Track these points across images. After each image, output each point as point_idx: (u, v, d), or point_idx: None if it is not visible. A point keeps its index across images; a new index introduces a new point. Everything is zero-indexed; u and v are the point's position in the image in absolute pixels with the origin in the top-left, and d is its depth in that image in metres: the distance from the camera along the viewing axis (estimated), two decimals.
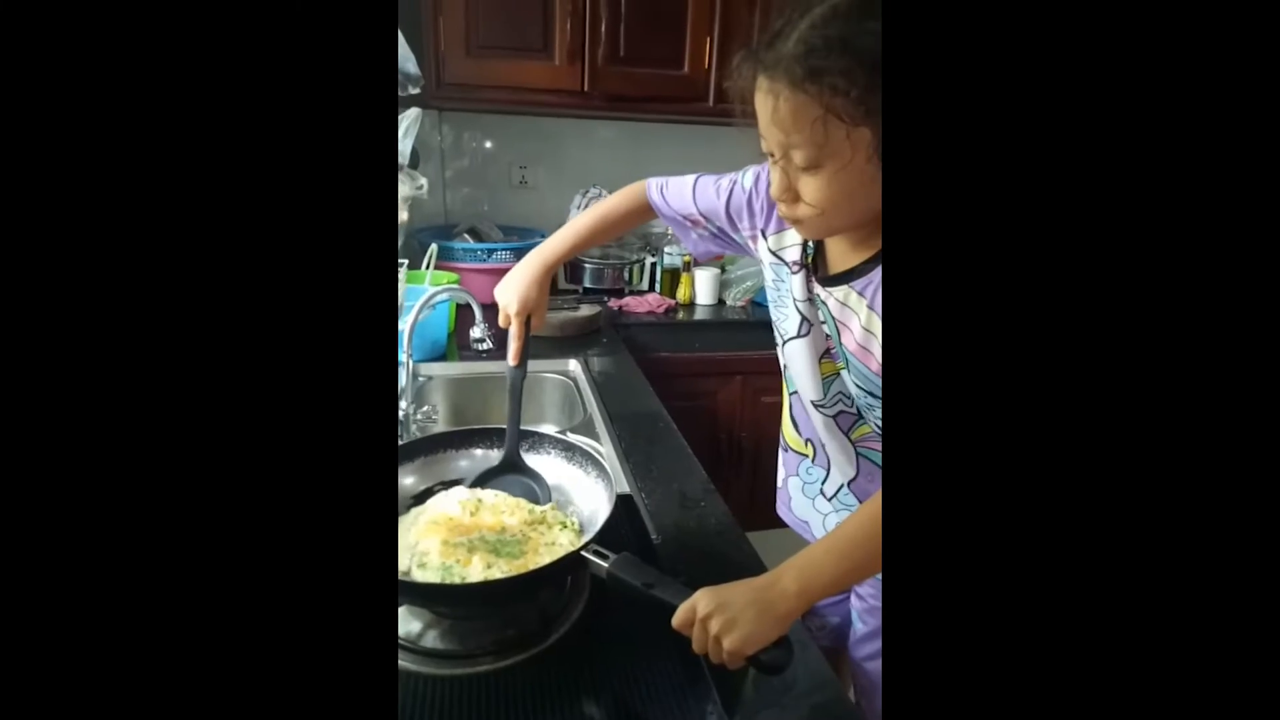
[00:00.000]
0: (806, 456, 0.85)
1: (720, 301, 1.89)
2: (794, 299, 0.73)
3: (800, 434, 0.84)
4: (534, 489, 0.76)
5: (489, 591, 0.63)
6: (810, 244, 0.71)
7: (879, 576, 0.79)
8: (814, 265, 0.71)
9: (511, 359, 0.79)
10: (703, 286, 1.87)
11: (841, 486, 0.82)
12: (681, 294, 1.87)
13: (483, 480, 0.76)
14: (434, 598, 0.64)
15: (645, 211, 0.85)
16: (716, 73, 1.64)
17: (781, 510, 0.93)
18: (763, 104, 0.55)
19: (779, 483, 0.93)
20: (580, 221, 0.86)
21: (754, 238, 0.78)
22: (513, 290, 0.80)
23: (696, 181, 0.81)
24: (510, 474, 0.77)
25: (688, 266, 1.87)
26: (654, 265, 1.91)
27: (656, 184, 0.84)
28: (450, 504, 0.71)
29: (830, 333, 0.71)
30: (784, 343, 0.78)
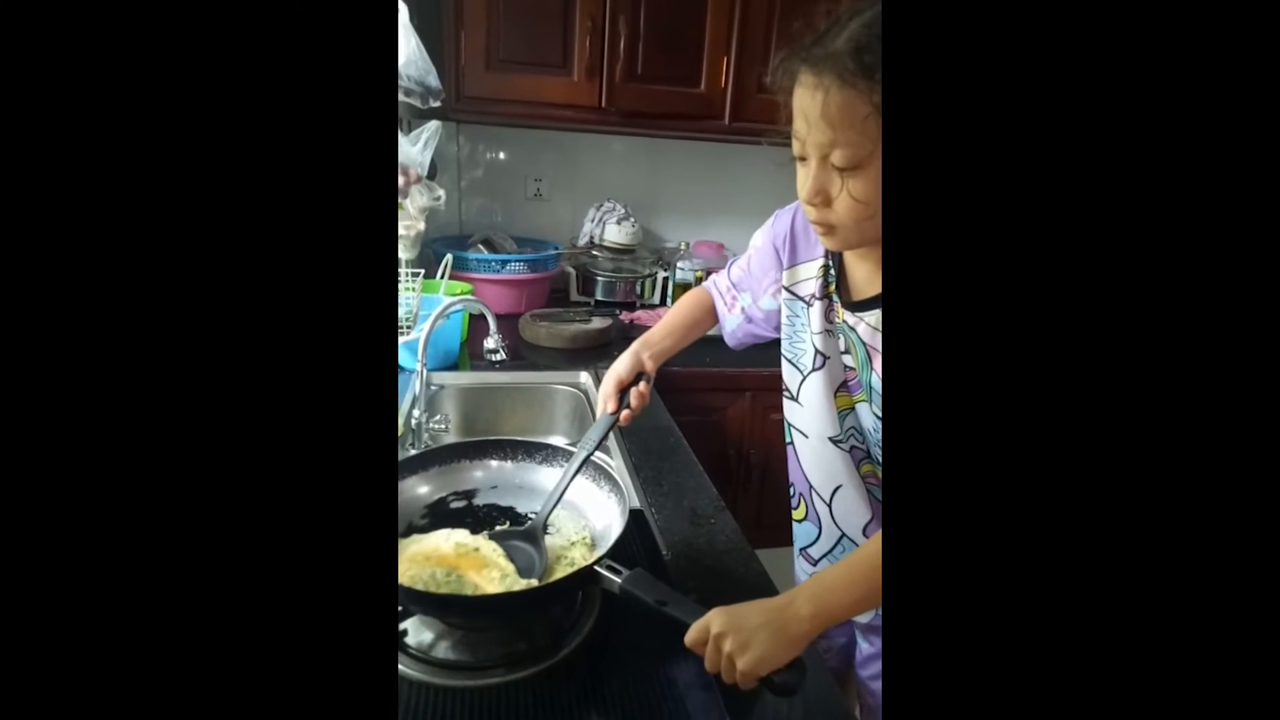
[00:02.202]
0: (798, 520, 0.85)
1: None
2: (810, 332, 0.74)
3: (795, 490, 0.84)
4: (534, 562, 0.68)
5: (502, 604, 0.63)
6: (832, 271, 0.71)
7: None
8: (838, 293, 0.71)
9: (610, 407, 0.77)
10: None
11: (837, 546, 0.80)
12: None
13: (502, 536, 0.71)
14: (448, 609, 0.64)
15: (710, 307, 0.90)
16: (733, 91, 1.66)
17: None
18: (809, 100, 0.55)
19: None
20: (660, 324, 0.88)
21: (776, 290, 0.80)
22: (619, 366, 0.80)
23: (733, 260, 0.88)
24: (525, 541, 0.71)
25: (699, 281, 1.88)
26: (666, 279, 1.92)
27: (713, 279, 0.92)
28: (446, 542, 0.69)
29: (857, 360, 0.70)
30: (802, 379, 0.76)
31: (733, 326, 0.88)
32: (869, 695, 0.87)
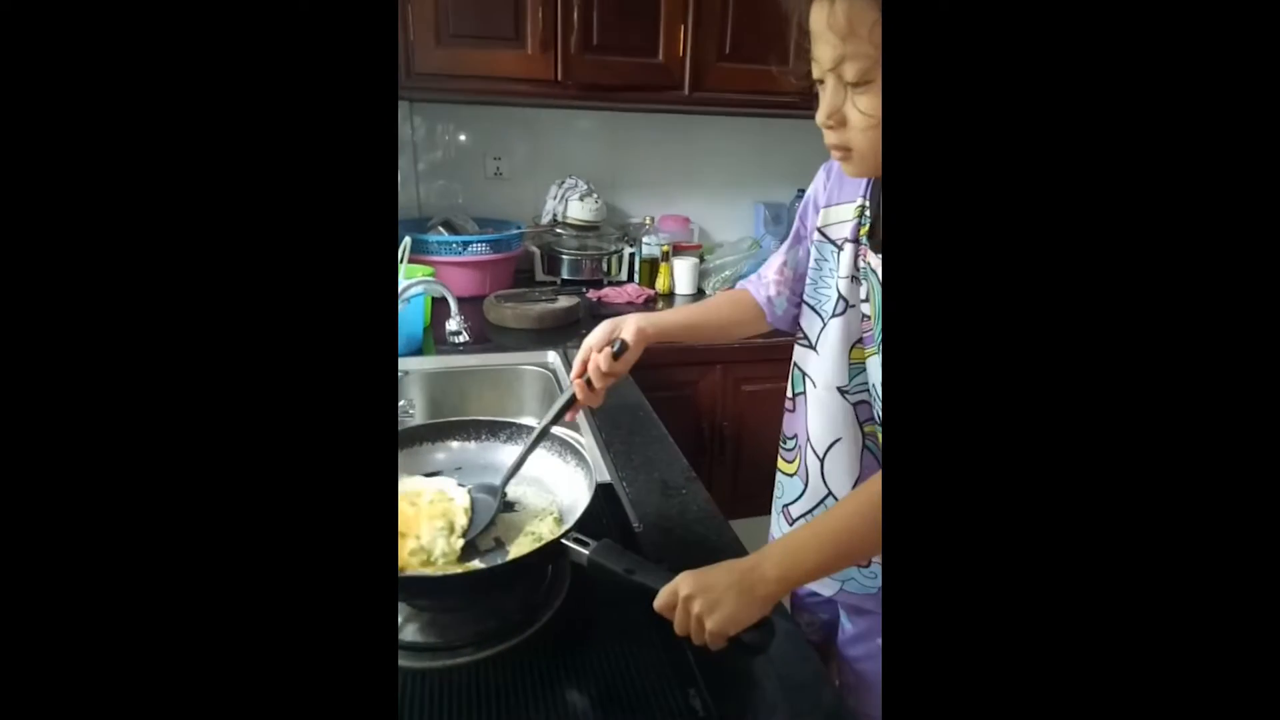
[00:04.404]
0: (788, 475, 0.84)
1: (700, 291, 1.89)
2: (837, 276, 0.72)
3: (795, 443, 0.82)
4: (488, 511, 0.69)
5: (469, 583, 0.62)
6: (867, 213, 0.70)
7: (868, 578, 0.79)
8: (869, 237, 0.69)
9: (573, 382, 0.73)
10: (682, 276, 1.86)
11: (820, 505, 0.80)
12: (660, 284, 1.87)
13: (478, 489, 0.72)
14: (413, 591, 0.63)
15: (750, 309, 0.85)
16: (692, 60, 1.63)
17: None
18: (818, 14, 0.55)
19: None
20: (687, 308, 0.85)
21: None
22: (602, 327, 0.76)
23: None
24: (489, 494, 0.72)
25: (666, 256, 1.86)
26: (632, 256, 1.90)
27: (747, 279, 0.87)
28: (428, 487, 0.72)
29: (874, 308, 0.68)
30: (823, 326, 0.75)
31: (781, 308, 0.83)
32: (851, 673, 0.87)
